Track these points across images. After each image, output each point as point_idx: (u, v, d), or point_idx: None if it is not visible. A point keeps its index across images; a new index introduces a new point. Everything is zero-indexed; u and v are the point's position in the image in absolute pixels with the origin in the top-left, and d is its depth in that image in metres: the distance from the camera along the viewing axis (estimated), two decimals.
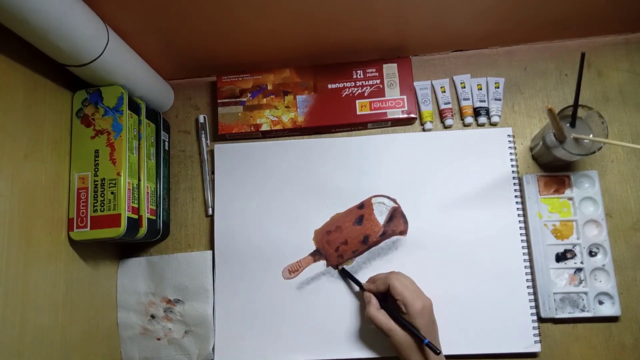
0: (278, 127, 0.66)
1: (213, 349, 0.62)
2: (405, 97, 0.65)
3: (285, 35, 0.60)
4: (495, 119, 0.65)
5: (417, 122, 0.68)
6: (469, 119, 0.66)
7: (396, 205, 0.64)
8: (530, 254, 0.61)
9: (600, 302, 0.59)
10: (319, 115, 0.66)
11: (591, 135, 0.56)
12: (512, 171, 0.63)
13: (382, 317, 0.54)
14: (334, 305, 0.62)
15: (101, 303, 0.61)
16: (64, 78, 0.56)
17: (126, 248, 0.67)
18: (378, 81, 0.66)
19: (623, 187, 0.63)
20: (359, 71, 0.66)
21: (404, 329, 0.53)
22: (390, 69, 0.66)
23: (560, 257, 0.61)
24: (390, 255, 0.63)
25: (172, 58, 0.65)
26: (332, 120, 0.66)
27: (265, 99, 0.67)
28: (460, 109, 0.67)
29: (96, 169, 0.55)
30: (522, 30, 0.64)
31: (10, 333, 0.44)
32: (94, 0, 0.49)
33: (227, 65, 0.67)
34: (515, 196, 0.62)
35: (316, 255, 0.64)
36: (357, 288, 0.62)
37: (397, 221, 0.63)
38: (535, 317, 0.59)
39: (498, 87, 0.66)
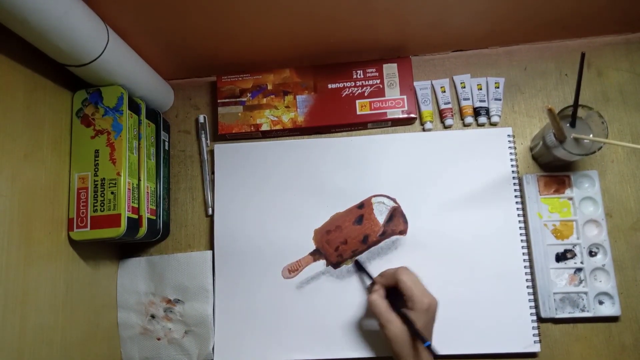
0: (278, 127, 0.66)
1: (213, 349, 0.62)
2: (405, 97, 0.65)
3: (285, 35, 0.60)
4: (495, 119, 0.65)
5: (417, 122, 0.68)
6: (469, 119, 0.66)
7: (396, 205, 0.64)
8: (530, 254, 0.61)
9: (600, 302, 0.59)
10: (319, 115, 0.66)
11: (591, 135, 0.56)
12: (512, 171, 0.63)
13: (383, 306, 0.53)
14: (333, 304, 0.62)
15: (101, 303, 0.61)
16: (64, 78, 0.56)
17: (126, 248, 0.67)
18: (378, 81, 0.66)
19: (623, 187, 0.63)
20: (359, 71, 0.66)
21: (404, 324, 0.52)
22: (390, 69, 0.66)
23: (560, 257, 0.61)
24: (390, 255, 0.63)
25: (172, 58, 0.65)
26: (332, 120, 0.66)
27: (265, 99, 0.67)
28: (460, 109, 0.67)
29: (96, 169, 0.55)
30: (522, 30, 0.64)
31: (10, 333, 0.44)
32: (94, 0, 0.49)
33: (227, 65, 0.67)
34: (515, 196, 0.62)
35: (316, 254, 0.64)
36: (367, 283, 0.62)
37: (396, 221, 0.63)
38: (535, 317, 0.59)
39: (498, 87, 0.66)
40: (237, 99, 0.67)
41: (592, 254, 0.61)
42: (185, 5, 0.52)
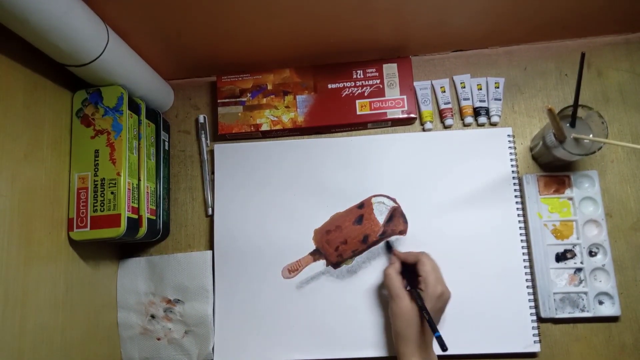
0: (278, 127, 0.66)
1: (213, 349, 0.62)
2: (405, 97, 0.65)
3: (285, 35, 0.60)
4: (495, 119, 0.65)
5: (417, 122, 0.68)
6: (469, 119, 0.66)
7: (396, 205, 0.64)
8: (530, 254, 0.61)
9: (600, 302, 0.59)
10: (319, 115, 0.66)
11: (591, 135, 0.56)
12: (512, 171, 0.63)
13: (397, 281, 0.54)
14: (333, 304, 0.62)
15: (101, 303, 0.61)
16: (64, 78, 0.56)
17: (126, 248, 0.67)
18: (378, 81, 0.66)
19: (623, 187, 0.63)
20: (359, 71, 0.66)
21: (413, 303, 0.52)
22: (390, 69, 0.66)
23: (560, 257, 0.61)
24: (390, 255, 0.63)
25: (172, 58, 0.65)
26: (332, 120, 0.66)
27: (265, 99, 0.67)
28: (460, 109, 0.67)
29: (96, 169, 0.55)
30: (522, 30, 0.64)
31: (10, 333, 0.44)
32: (94, 0, 0.49)
33: (227, 65, 0.67)
34: (515, 196, 0.62)
35: (316, 254, 0.64)
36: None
37: (396, 221, 0.63)
38: (534, 317, 0.59)
39: (498, 87, 0.66)
40: (237, 99, 0.67)
41: (592, 254, 0.61)
42: (185, 6, 0.52)
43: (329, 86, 0.66)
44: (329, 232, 0.64)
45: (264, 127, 0.66)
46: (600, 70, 0.66)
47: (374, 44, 0.65)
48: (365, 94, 0.66)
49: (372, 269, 0.63)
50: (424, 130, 0.67)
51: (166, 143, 0.68)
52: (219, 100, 0.68)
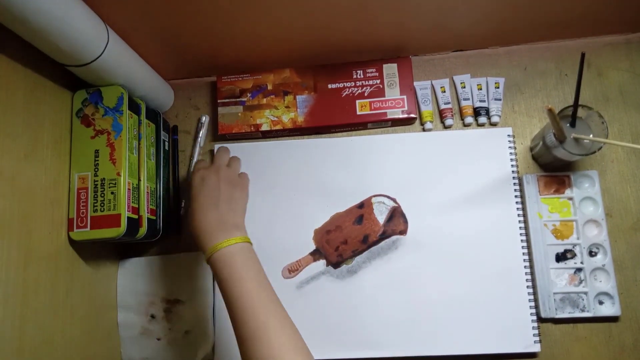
0: (278, 127, 0.66)
1: (213, 349, 0.62)
2: (405, 97, 0.65)
3: (285, 35, 0.60)
4: (495, 119, 0.65)
5: (417, 122, 0.68)
6: (469, 119, 0.66)
7: (396, 205, 0.64)
8: (530, 254, 0.61)
9: (600, 302, 0.59)
10: (319, 115, 0.66)
11: (591, 135, 0.56)
12: (512, 171, 0.63)
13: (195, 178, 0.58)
14: (333, 304, 0.62)
15: (101, 303, 0.61)
16: (64, 78, 0.56)
17: (126, 248, 0.67)
18: (378, 81, 0.66)
19: (623, 187, 0.63)
20: (359, 71, 0.66)
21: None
22: (390, 69, 0.66)
23: (560, 257, 0.61)
24: (390, 254, 0.63)
25: (172, 58, 0.65)
26: (332, 120, 0.66)
27: (265, 99, 0.67)
28: (460, 109, 0.67)
29: (96, 169, 0.55)
30: (522, 30, 0.64)
31: (10, 333, 0.44)
32: (94, 0, 0.49)
33: (227, 65, 0.67)
34: (515, 196, 0.62)
35: (316, 254, 0.64)
36: None
37: (396, 221, 0.63)
38: (535, 317, 0.59)
39: (498, 87, 0.66)
40: (237, 99, 0.67)
41: (592, 254, 0.61)
42: (186, 6, 0.52)
43: (329, 86, 0.66)
44: (329, 232, 0.64)
45: (264, 127, 0.66)
46: (600, 70, 0.66)
47: (374, 44, 0.65)
48: (365, 94, 0.66)
49: (372, 269, 0.63)
50: (424, 130, 0.67)
51: (166, 143, 0.68)
52: (219, 100, 0.67)
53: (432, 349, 0.59)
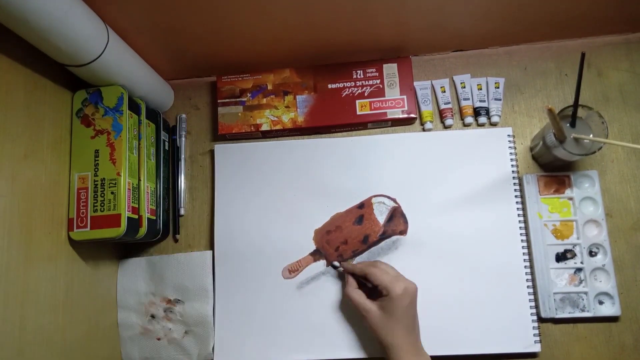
0: (278, 127, 0.66)
1: (213, 349, 0.62)
2: (405, 97, 0.65)
3: (285, 35, 0.60)
4: (495, 119, 0.65)
5: (417, 122, 0.68)
6: (469, 119, 0.66)
7: (396, 205, 0.64)
8: (530, 253, 0.61)
9: (600, 302, 0.59)
10: (319, 115, 0.66)
11: (591, 135, 0.56)
12: (512, 171, 0.63)
13: (359, 297, 0.56)
14: (333, 304, 0.62)
15: (101, 303, 0.61)
16: (64, 78, 0.56)
17: (126, 248, 0.67)
18: (378, 81, 0.66)
19: (623, 187, 0.63)
20: (359, 71, 0.66)
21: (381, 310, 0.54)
22: (390, 69, 0.66)
23: (560, 257, 0.61)
24: (390, 255, 0.63)
25: (172, 58, 0.65)
26: (332, 120, 0.66)
27: (265, 99, 0.67)
28: (460, 109, 0.67)
29: (96, 169, 0.55)
30: (522, 30, 0.64)
31: (10, 333, 0.44)
32: (94, 0, 0.49)
33: (227, 65, 0.67)
34: (515, 196, 0.62)
35: (316, 254, 0.64)
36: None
37: (397, 221, 0.63)
38: (535, 317, 0.59)
39: (498, 87, 0.66)
40: (237, 99, 0.67)
41: (592, 254, 0.61)
42: (186, 6, 0.52)
43: (329, 86, 0.66)
44: (329, 232, 0.64)
45: (264, 127, 0.66)
46: (600, 70, 0.66)
47: (374, 44, 0.65)
48: (365, 94, 0.66)
49: None
50: (424, 130, 0.67)
51: (166, 143, 0.68)
52: (219, 100, 0.67)
53: (432, 348, 0.59)
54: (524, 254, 0.61)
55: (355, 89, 0.66)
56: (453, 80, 0.68)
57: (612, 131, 0.63)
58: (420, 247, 0.62)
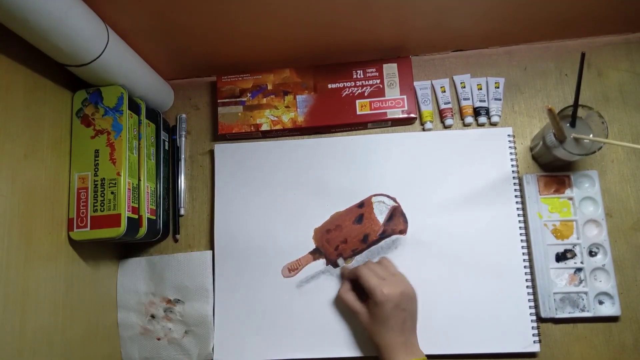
0: (278, 127, 0.66)
1: (213, 349, 0.62)
2: (405, 97, 0.65)
3: (285, 35, 0.60)
4: (495, 119, 0.65)
5: (417, 122, 0.68)
6: (469, 119, 0.66)
7: (396, 205, 0.64)
8: (530, 253, 0.61)
9: (600, 302, 0.59)
10: (319, 115, 0.66)
11: (591, 135, 0.56)
12: (512, 171, 0.63)
13: (350, 298, 0.57)
14: (333, 303, 0.62)
15: (101, 303, 0.61)
16: (64, 78, 0.56)
17: (126, 248, 0.67)
18: (378, 81, 0.66)
19: (623, 187, 0.63)
20: (359, 71, 0.66)
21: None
22: (390, 69, 0.66)
23: (560, 257, 0.61)
24: (390, 254, 0.63)
25: (172, 58, 0.65)
26: (332, 120, 0.66)
27: (265, 99, 0.67)
28: (460, 109, 0.67)
29: (96, 169, 0.55)
30: (522, 30, 0.64)
31: (10, 333, 0.44)
32: (94, 0, 0.49)
33: (227, 65, 0.67)
34: (515, 196, 0.62)
35: (316, 253, 0.64)
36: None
37: (396, 220, 0.63)
38: (534, 317, 0.59)
39: (498, 87, 0.66)
40: (237, 99, 0.67)
41: (592, 254, 0.61)
42: (185, 6, 0.52)
43: (329, 86, 0.66)
44: (329, 231, 0.64)
45: (264, 127, 0.66)
46: (600, 70, 0.66)
47: (374, 44, 0.65)
48: (365, 94, 0.66)
49: None
50: (424, 130, 0.67)
51: (166, 143, 0.68)
52: (219, 100, 0.68)
53: (432, 348, 0.59)
54: (523, 253, 0.61)
55: (355, 89, 0.66)
56: (453, 80, 0.68)
57: (612, 131, 0.63)
58: (420, 246, 0.62)
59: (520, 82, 0.67)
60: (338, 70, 0.67)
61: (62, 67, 0.52)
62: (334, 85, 0.66)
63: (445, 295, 0.61)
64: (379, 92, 0.66)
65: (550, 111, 0.51)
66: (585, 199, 0.61)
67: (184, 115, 0.70)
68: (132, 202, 0.57)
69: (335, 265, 0.63)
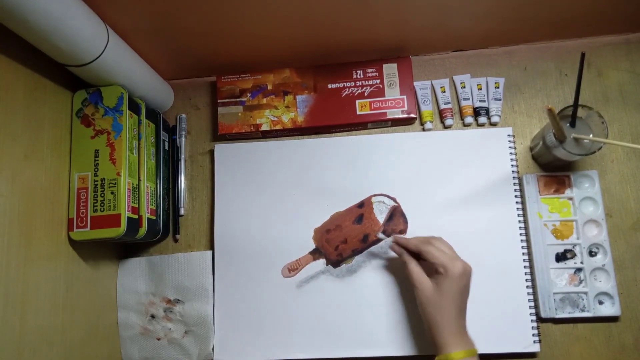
0: (278, 127, 0.66)
1: (213, 349, 0.62)
2: (405, 97, 0.65)
3: (285, 35, 0.60)
4: (495, 119, 0.65)
5: (417, 122, 0.68)
6: (469, 119, 0.66)
7: (396, 205, 0.64)
8: (530, 253, 0.61)
9: (600, 302, 0.59)
10: (319, 115, 0.66)
11: (591, 135, 0.56)
12: (512, 171, 0.63)
13: (417, 270, 0.54)
14: (333, 303, 0.62)
15: (101, 303, 0.61)
16: (64, 78, 0.56)
17: (126, 248, 0.67)
18: (378, 81, 0.66)
19: (623, 187, 0.63)
20: (359, 71, 0.66)
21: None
22: (390, 69, 0.66)
23: (560, 257, 0.61)
24: (390, 254, 0.63)
25: (172, 58, 0.65)
26: (332, 120, 0.66)
27: (265, 99, 0.67)
28: (460, 109, 0.67)
29: (96, 169, 0.55)
30: (522, 30, 0.64)
31: (10, 333, 0.44)
32: (94, 0, 0.49)
33: (227, 65, 0.67)
34: (515, 196, 0.62)
35: (316, 253, 0.64)
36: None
37: (396, 220, 0.63)
38: (534, 317, 0.59)
39: (498, 87, 0.66)
40: (237, 99, 0.67)
41: (592, 254, 0.61)
42: (186, 6, 0.52)
43: (329, 86, 0.66)
44: (329, 231, 0.64)
45: (264, 127, 0.66)
46: (600, 70, 0.66)
47: (374, 44, 0.65)
48: (365, 94, 0.66)
49: (372, 268, 0.63)
50: (424, 130, 0.67)
51: (166, 143, 0.68)
52: (219, 100, 0.68)
53: (431, 348, 0.59)
54: (523, 254, 0.61)
55: (355, 89, 0.66)
56: (453, 80, 0.68)
57: (612, 131, 0.63)
58: None
59: (520, 82, 0.67)
60: (338, 70, 0.67)
61: (62, 67, 0.52)
62: (334, 85, 0.66)
63: None
64: (379, 92, 0.66)
65: (550, 111, 0.51)
66: (585, 199, 0.61)
67: (184, 115, 0.70)
68: (132, 202, 0.57)
69: (335, 265, 0.63)
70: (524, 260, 0.61)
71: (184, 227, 0.68)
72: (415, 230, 0.63)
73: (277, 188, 0.66)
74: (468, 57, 0.69)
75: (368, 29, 0.60)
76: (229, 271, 0.64)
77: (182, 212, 0.67)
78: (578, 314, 0.59)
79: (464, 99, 0.66)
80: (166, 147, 0.68)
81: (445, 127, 0.67)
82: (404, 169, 0.65)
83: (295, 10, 0.54)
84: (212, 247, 0.66)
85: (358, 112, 0.65)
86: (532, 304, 0.60)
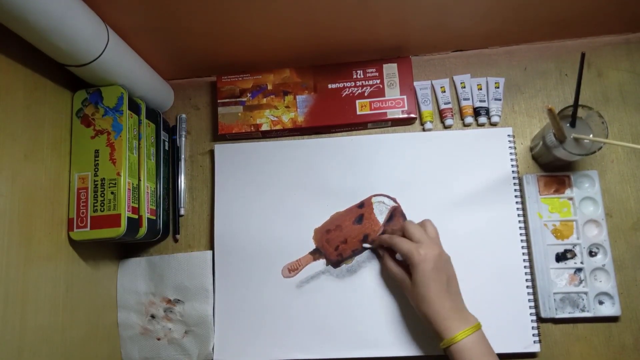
0: (278, 127, 0.66)
1: (213, 349, 0.62)
2: (405, 97, 0.65)
3: (285, 35, 0.60)
4: (495, 119, 0.65)
5: (417, 122, 0.68)
6: (469, 119, 0.66)
7: (396, 205, 0.64)
8: (530, 253, 0.61)
9: (600, 302, 0.59)
10: (319, 115, 0.66)
11: (591, 135, 0.56)
12: (512, 171, 0.63)
13: (394, 267, 0.56)
14: (333, 304, 0.62)
15: (101, 303, 0.61)
16: (64, 78, 0.56)
17: (126, 248, 0.67)
18: (378, 81, 0.66)
19: (623, 187, 0.63)
20: (359, 71, 0.66)
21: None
22: (390, 69, 0.66)
23: (560, 257, 0.61)
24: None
25: (172, 58, 0.65)
26: (332, 120, 0.66)
27: (265, 99, 0.67)
28: (460, 109, 0.67)
29: (96, 169, 0.55)
30: (522, 30, 0.64)
31: (10, 333, 0.44)
32: (94, 0, 0.49)
33: (227, 65, 0.67)
34: (515, 196, 0.62)
35: (316, 253, 0.64)
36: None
37: (396, 220, 0.63)
38: (534, 317, 0.59)
39: (498, 87, 0.66)
40: (237, 99, 0.67)
41: (592, 254, 0.61)
42: (186, 6, 0.52)
43: (329, 86, 0.66)
44: (329, 231, 0.64)
45: (264, 127, 0.66)
46: (600, 70, 0.66)
47: (374, 44, 0.65)
48: (365, 94, 0.66)
49: (372, 268, 0.63)
50: (424, 130, 0.67)
51: (166, 143, 0.68)
52: (219, 100, 0.68)
53: (432, 348, 0.59)
54: (523, 254, 0.61)
55: (355, 89, 0.66)
56: (453, 80, 0.68)
57: (612, 131, 0.63)
58: None
59: (520, 82, 0.67)
60: (338, 70, 0.67)
61: (62, 67, 0.52)
62: (334, 85, 0.66)
63: None
64: (379, 92, 0.66)
65: (550, 111, 0.51)
66: (585, 199, 0.61)
67: (184, 115, 0.70)
68: (132, 202, 0.57)
69: (336, 265, 0.63)
70: (524, 260, 0.61)
71: (184, 227, 0.68)
72: None
73: (277, 188, 0.66)
74: (468, 57, 0.69)
75: (368, 29, 0.60)
76: (229, 271, 0.64)
77: (182, 212, 0.68)
78: (578, 314, 0.59)
79: (464, 99, 0.66)
80: (166, 147, 0.68)
81: (446, 127, 0.67)
82: (404, 169, 0.65)
83: (295, 10, 0.54)
84: (212, 247, 0.66)
85: (358, 112, 0.65)
86: (532, 304, 0.60)
